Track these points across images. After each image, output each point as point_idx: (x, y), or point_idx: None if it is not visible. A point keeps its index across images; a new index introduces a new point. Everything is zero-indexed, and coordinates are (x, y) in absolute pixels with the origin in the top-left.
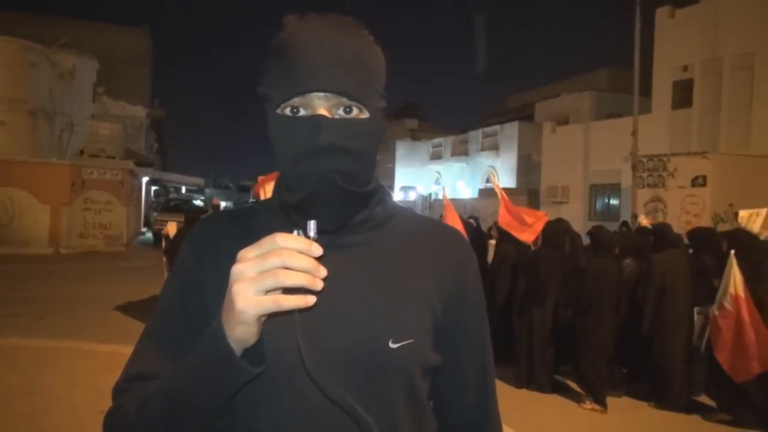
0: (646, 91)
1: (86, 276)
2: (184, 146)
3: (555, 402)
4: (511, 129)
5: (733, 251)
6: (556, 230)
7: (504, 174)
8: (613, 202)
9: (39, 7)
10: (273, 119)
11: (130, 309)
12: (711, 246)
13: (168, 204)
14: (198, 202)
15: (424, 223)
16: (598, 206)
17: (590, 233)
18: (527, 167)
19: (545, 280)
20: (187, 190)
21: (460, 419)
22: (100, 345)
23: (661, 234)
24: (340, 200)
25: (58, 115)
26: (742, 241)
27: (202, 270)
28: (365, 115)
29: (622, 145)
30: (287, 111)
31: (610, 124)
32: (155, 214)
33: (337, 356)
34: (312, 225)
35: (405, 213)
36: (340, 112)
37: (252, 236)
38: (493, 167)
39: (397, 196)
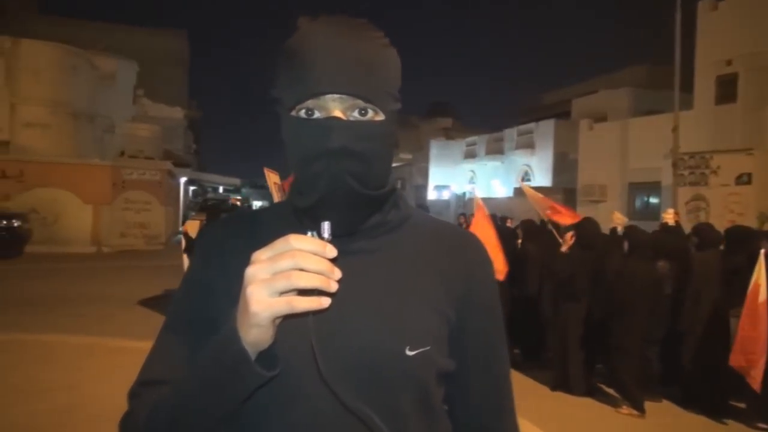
0: (687, 86)
1: (126, 274)
2: (220, 147)
3: (590, 405)
4: (547, 126)
5: (762, 251)
6: (588, 229)
7: (539, 172)
8: (653, 200)
9: (77, 13)
10: (287, 121)
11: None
12: (747, 245)
13: (206, 203)
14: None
15: (437, 227)
16: (637, 205)
17: (625, 234)
18: (563, 165)
19: (576, 280)
20: (224, 190)
21: (473, 423)
22: (138, 342)
23: (702, 234)
24: (353, 204)
25: (98, 117)
26: None
27: (210, 273)
28: (380, 117)
29: (662, 142)
30: (302, 113)
31: (649, 121)
32: (192, 213)
33: (349, 361)
34: (326, 226)
35: (419, 216)
36: (355, 114)
37: (261, 239)
38: (528, 166)
39: (431, 195)
